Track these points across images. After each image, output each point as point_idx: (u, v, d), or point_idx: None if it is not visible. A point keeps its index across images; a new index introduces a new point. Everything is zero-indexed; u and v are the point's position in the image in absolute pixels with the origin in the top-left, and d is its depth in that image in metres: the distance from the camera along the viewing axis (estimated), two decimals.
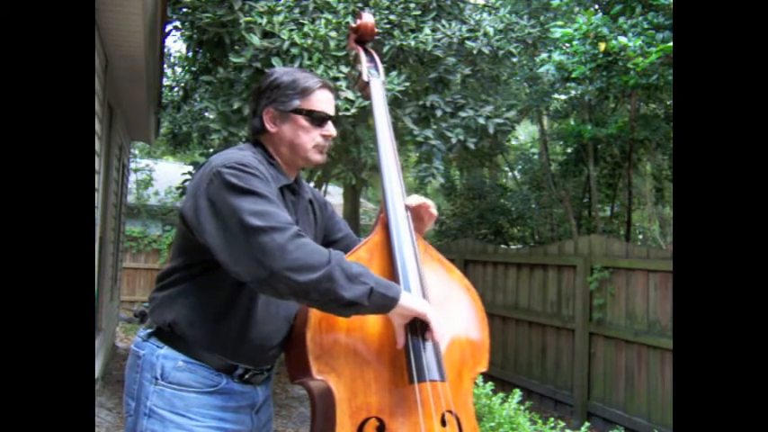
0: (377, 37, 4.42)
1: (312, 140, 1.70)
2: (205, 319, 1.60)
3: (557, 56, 5.09)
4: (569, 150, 9.54)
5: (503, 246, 9.32)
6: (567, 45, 5.12)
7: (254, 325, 1.61)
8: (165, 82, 6.63)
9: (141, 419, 1.58)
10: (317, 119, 1.69)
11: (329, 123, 1.72)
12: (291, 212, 1.70)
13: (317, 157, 1.73)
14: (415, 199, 1.74)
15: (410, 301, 1.50)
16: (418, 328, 1.55)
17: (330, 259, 1.41)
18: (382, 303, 1.46)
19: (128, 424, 1.63)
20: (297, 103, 1.68)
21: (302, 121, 1.68)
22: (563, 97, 8.77)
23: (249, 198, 1.46)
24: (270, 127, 1.70)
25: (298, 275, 1.38)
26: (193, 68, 5.94)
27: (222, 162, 1.53)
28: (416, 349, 1.53)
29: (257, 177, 1.51)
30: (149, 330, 1.66)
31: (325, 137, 1.71)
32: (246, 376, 1.65)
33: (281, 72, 1.73)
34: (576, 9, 6.22)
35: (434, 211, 1.76)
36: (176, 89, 6.62)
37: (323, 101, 1.71)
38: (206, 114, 5.67)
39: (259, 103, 1.72)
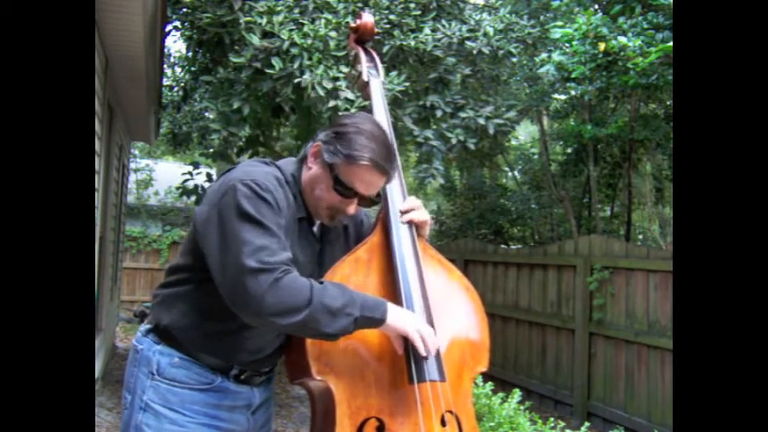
0: (377, 37, 4.42)
1: (328, 202, 1.60)
2: (200, 326, 1.61)
3: (557, 56, 5.09)
4: (569, 150, 9.53)
5: (503, 246, 9.32)
6: (567, 45, 5.12)
7: (250, 335, 1.62)
8: (165, 82, 6.62)
9: (136, 413, 1.60)
10: (342, 192, 1.58)
11: (353, 202, 1.61)
12: (315, 241, 1.68)
13: (325, 220, 1.65)
14: (405, 205, 1.70)
15: (396, 319, 1.50)
16: None
17: (311, 299, 1.40)
18: (369, 326, 1.48)
19: (123, 417, 1.64)
20: (337, 161, 1.56)
21: (330, 180, 1.58)
22: (563, 97, 8.76)
23: (252, 228, 1.44)
24: (310, 161, 1.64)
25: (280, 319, 1.40)
26: (193, 68, 5.93)
27: (241, 177, 1.52)
28: (416, 350, 1.54)
29: (268, 204, 1.49)
30: (149, 326, 1.68)
31: (343, 209, 1.62)
32: (242, 377, 1.66)
33: (359, 122, 1.61)
34: (576, 9, 6.21)
35: (423, 216, 1.71)
36: (176, 89, 6.61)
37: (362, 179, 1.57)
38: (206, 114, 5.67)
39: (323, 132, 1.64)
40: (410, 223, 1.70)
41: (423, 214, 1.72)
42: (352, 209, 1.62)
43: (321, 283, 1.47)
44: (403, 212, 1.70)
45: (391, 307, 1.51)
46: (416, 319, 1.54)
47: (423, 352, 1.50)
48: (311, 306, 1.40)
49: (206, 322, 1.60)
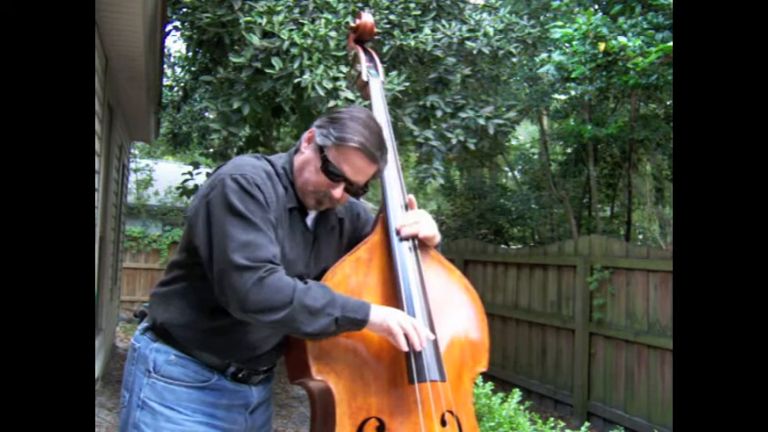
0: (377, 37, 4.42)
1: (315, 184, 1.60)
2: (196, 324, 1.61)
3: (557, 56, 5.08)
4: (569, 150, 9.53)
5: (503, 246, 9.32)
6: (567, 45, 5.12)
7: (246, 333, 1.62)
8: (165, 82, 6.63)
9: (134, 411, 1.60)
10: (330, 173, 1.58)
11: (340, 186, 1.59)
12: (307, 232, 1.68)
13: (311, 204, 1.64)
14: (406, 220, 1.68)
15: (380, 318, 1.50)
16: None
17: (293, 299, 1.44)
18: (352, 326, 1.50)
19: (121, 415, 1.65)
20: (328, 143, 1.58)
21: (319, 162, 1.59)
22: (563, 97, 8.76)
23: (239, 223, 1.47)
24: (303, 146, 1.65)
25: (261, 316, 1.44)
26: (193, 68, 5.94)
27: (230, 171, 1.54)
28: (413, 347, 1.53)
29: (255, 199, 1.51)
30: (146, 324, 1.69)
31: (330, 194, 1.60)
32: (240, 375, 1.66)
33: (353, 110, 1.64)
34: (576, 9, 6.21)
35: (425, 232, 1.69)
36: (176, 89, 6.62)
37: (350, 162, 1.57)
38: (206, 114, 5.68)
39: (318, 120, 1.67)
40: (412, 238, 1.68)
41: (426, 228, 1.69)
42: (337, 192, 1.60)
43: (306, 283, 1.49)
44: (402, 233, 1.67)
45: (375, 308, 1.52)
46: (399, 315, 1.53)
47: (403, 348, 1.49)
48: (291, 306, 1.43)
49: (202, 319, 1.61)
